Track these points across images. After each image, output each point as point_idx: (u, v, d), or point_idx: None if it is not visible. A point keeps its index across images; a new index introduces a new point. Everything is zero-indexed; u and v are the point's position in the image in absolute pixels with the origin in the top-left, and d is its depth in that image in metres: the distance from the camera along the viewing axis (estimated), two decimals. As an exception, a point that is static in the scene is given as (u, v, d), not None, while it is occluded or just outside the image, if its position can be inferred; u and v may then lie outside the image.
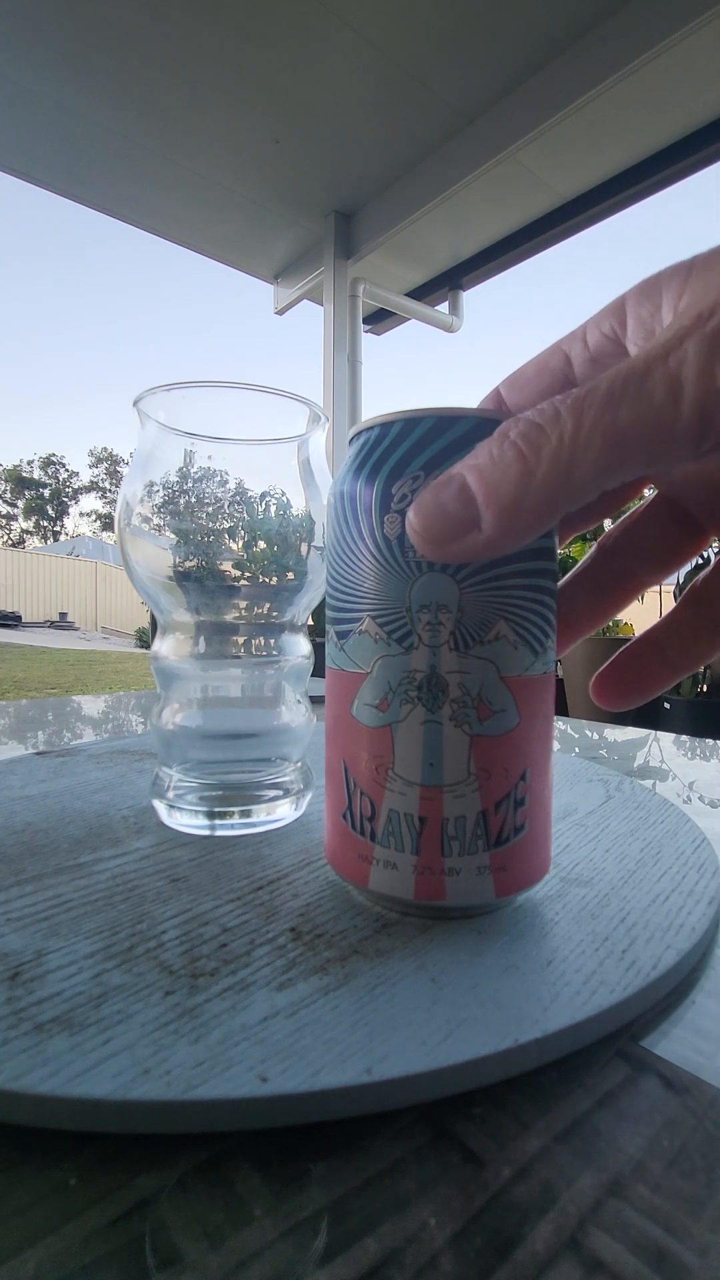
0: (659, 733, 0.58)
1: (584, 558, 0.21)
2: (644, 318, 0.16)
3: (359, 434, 0.19)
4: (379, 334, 3.17)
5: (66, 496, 43.93)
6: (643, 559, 0.21)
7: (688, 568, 2.26)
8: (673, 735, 0.57)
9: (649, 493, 0.21)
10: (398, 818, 0.18)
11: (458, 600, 0.17)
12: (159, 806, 0.29)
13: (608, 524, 0.26)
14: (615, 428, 0.13)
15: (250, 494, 0.27)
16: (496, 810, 0.18)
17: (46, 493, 43.46)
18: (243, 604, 0.29)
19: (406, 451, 0.18)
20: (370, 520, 0.18)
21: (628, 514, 0.21)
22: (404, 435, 0.18)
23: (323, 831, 0.28)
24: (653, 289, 0.16)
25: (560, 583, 0.21)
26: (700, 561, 2.29)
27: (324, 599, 0.21)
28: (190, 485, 0.27)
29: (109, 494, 43.44)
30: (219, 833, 0.28)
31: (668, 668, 0.20)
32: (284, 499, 0.28)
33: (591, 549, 0.21)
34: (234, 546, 0.27)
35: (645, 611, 2.66)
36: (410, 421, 0.18)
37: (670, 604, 2.35)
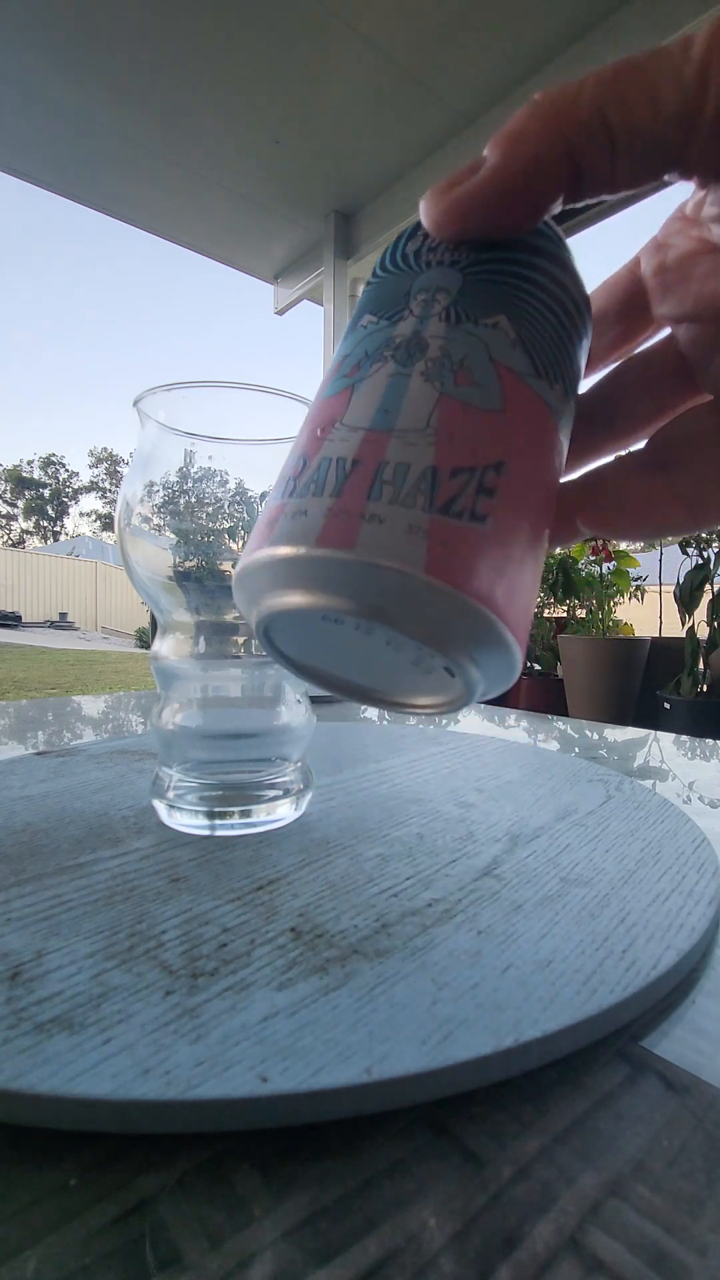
0: (659, 733, 0.58)
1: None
2: None
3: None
4: (379, 334, 3.17)
5: (66, 496, 43.87)
6: (631, 400, 0.19)
7: (688, 568, 2.22)
8: (673, 735, 0.57)
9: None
10: (327, 464, 0.14)
11: (460, 285, 0.16)
12: (159, 806, 0.29)
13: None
14: (629, 61, 0.13)
15: (250, 494, 0.27)
16: (452, 476, 0.14)
17: (46, 493, 43.40)
18: (243, 604, 0.29)
19: None
20: (391, 256, 0.17)
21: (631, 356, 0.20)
22: None
23: (323, 831, 0.28)
24: None
25: None
26: (700, 562, 2.27)
27: None
28: (190, 485, 0.27)
29: (109, 494, 43.38)
30: (219, 833, 0.28)
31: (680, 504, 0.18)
32: (284, 499, 0.28)
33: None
34: (234, 546, 0.27)
35: (646, 611, 2.66)
36: None
37: (670, 603, 2.33)
